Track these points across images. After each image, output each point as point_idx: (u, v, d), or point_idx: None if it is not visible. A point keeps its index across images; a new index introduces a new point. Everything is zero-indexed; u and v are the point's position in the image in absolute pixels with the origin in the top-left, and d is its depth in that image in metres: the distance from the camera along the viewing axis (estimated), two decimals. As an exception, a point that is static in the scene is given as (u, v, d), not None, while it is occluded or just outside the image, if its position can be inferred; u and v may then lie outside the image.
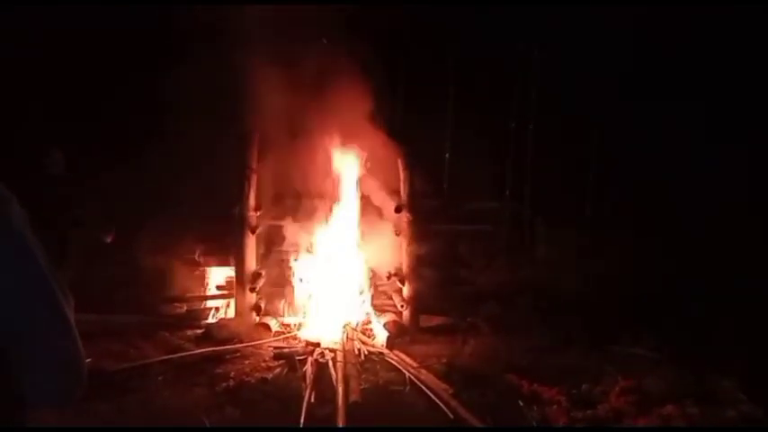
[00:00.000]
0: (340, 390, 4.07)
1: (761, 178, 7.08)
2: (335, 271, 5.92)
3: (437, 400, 4.06)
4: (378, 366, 4.79)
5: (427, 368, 4.62)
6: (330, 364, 4.64)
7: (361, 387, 4.21)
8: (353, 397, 3.97)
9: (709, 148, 7.17)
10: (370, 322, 5.74)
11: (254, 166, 5.80)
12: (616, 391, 4.06)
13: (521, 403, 4.09)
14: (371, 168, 6.13)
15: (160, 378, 4.39)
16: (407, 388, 4.33)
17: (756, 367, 4.53)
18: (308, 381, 4.31)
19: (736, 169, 7.16)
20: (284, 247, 6.26)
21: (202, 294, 6.30)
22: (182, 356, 4.77)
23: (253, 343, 5.23)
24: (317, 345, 5.04)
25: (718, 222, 6.95)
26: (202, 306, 6.15)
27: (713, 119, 7.36)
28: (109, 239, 6.12)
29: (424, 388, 4.24)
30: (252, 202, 5.77)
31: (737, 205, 6.97)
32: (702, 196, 7.25)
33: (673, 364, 4.81)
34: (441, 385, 4.26)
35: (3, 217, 1.07)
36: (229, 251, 5.96)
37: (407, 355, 4.99)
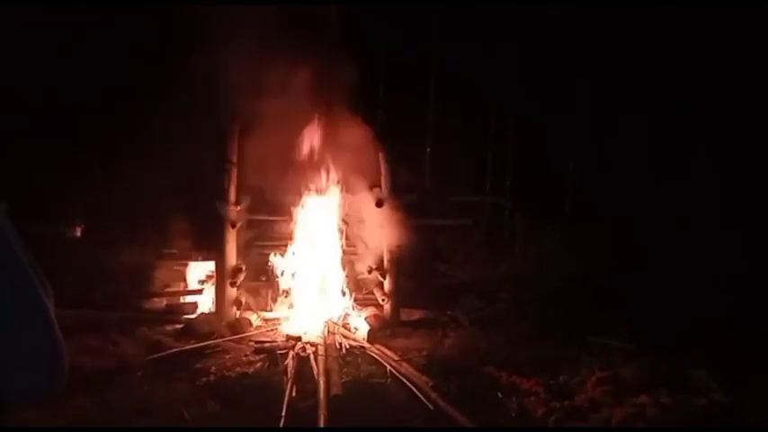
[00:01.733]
0: (321, 383, 4.09)
1: (733, 175, 7.24)
2: (316, 265, 5.93)
3: (417, 393, 4.11)
4: (359, 360, 4.82)
5: (408, 361, 4.67)
6: (311, 357, 4.66)
7: (343, 380, 4.25)
8: (335, 390, 4.00)
9: (680, 146, 7.33)
10: (351, 316, 5.76)
11: (234, 159, 5.76)
12: (592, 382, 4.15)
13: (499, 395, 4.16)
14: (352, 162, 6.14)
15: (140, 373, 4.37)
16: (388, 380, 4.37)
17: (726, 357, 4.66)
18: (289, 375, 4.33)
19: (709, 167, 7.32)
20: (265, 242, 6.25)
21: (182, 289, 6.26)
22: (162, 354, 4.74)
23: (233, 337, 5.23)
24: (299, 339, 5.05)
25: (693, 215, 7.11)
26: (182, 301, 6.11)
27: (690, 117, 7.51)
28: (78, 233, 6.04)
29: (404, 380, 4.29)
30: (232, 196, 5.74)
31: (711, 197, 7.13)
32: (678, 191, 7.41)
33: (647, 355, 4.92)
34: (421, 378, 4.31)
35: None
36: (209, 245, 5.93)
37: (388, 348, 5.03)
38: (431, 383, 4.20)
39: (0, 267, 1.06)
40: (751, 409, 3.92)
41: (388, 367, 4.54)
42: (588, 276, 6.67)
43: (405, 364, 4.59)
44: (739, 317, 5.37)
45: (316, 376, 4.28)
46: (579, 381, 4.24)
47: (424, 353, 4.90)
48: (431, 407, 3.93)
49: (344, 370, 4.53)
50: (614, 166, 8.13)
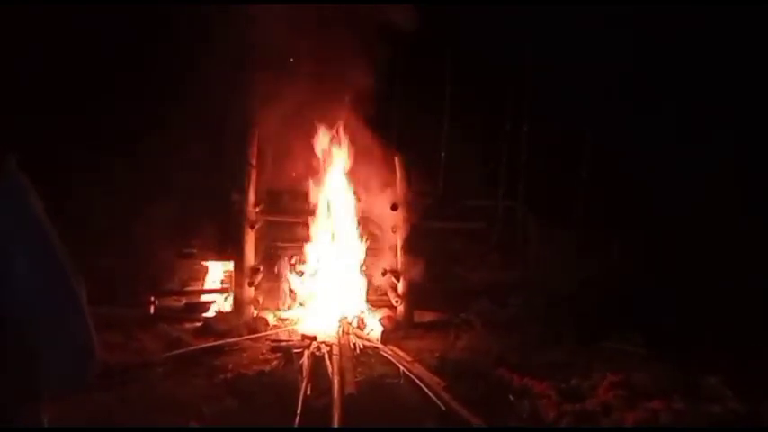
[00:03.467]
0: (336, 382, 4.17)
1: (750, 178, 7.21)
2: (332, 267, 6.02)
3: (430, 393, 4.17)
4: (373, 360, 4.89)
5: (420, 362, 4.73)
6: (326, 357, 4.74)
7: (357, 380, 4.31)
8: (349, 389, 4.07)
9: (697, 149, 7.31)
10: (365, 317, 5.84)
11: (254, 161, 5.88)
12: (604, 386, 4.18)
13: (511, 397, 4.21)
14: (369, 166, 6.22)
15: (160, 369, 4.48)
16: (401, 381, 4.44)
17: (741, 364, 4.67)
18: (304, 373, 4.41)
19: (726, 169, 7.29)
20: (282, 243, 6.35)
21: (201, 288, 6.39)
22: (182, 351, 4.85)
23: (250, 336, 5.33)
24: (314, 338, 5.14)
25: (707, 221, 7.10)
26: (201, 299, 6.24)
27: (704, 120, 7.48)
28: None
29: (417, 381, 4.35)
30: (251, 197, 5.85)
31: (727, 204, 7.10)
32: (693, 196, 7.39)
33: (660, 361, 4.94)
34: (433, 379, 4.37)
35: (22, 204, 1.11)
36: (229, 246, 6.05)
37: (401, 349, 5.09)
38: (443, 384, 4.26)
39: (39, 262, 1.11)
40: (766, 418, 3.93)
41: (401, 368, 4.60)
42: (601, 281, 6.68)
43: (417, 365, 4.66)
44: (756, 323, 5.36)
45: (330, 375, 4.36)
46: (591, 385, 4.27)
47: (437, 354, 4.96)
48: (443, 408, 3.98)
49: (358, 370, 4.61)
50: (629, 170, 8.14)
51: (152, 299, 5.86)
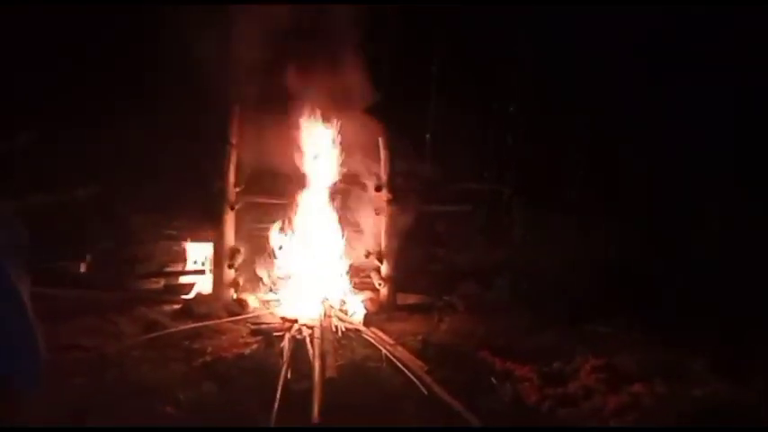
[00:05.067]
0: (317, 366, 4.11)
1: (744, 164, 7.19)
2: (314, 248, 5.93)
3: (412, 377, 4.12)
4: (354, 343, 4.83)
5: (403, 345, 4.69)
6: (307, 340, 4.68)
7: (338, 363, 4.26)
8: (330, 373, 4.02)
9: (693, 134, 7.27)
10: (347, 299, 5.77)
11: (235, 140, 5.74)
12: (586, 369, 4.16)
13: (494, 380, 4.18)
14: (352, 146, 6.11)
15: (136, 353, 4.39)
16: (383, 364, 4.39)
17: (725, 347, 4.67)
18: (284, 357, 4.35)
19: (723, 156, 7.26)
20: (263, 224, 6.25)
21: (180, 269, 6.28)
22: (159, 334, 4.76)
23: (230, 319, 5.25)
24: (295, 321, 5.07)
25: (699, 207, 7.10)
26: (180, 281, 6.13)
27: (700, 103, 7.43)
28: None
29: (399, 365, 4.31)
30: (232, 177, 5.72)
31: (720, 191, 7.10)
32: (685, 182, 7.38)
33: (646, 344, 4.94)
34: (416, 362, 4.33)
35: None
36: (208, 226, 5.93)
37: (384, 332, 5.04)
38: (425, 368, 4.22)
39: None
40: (751, 401, 3.92)
41: (384, 351, 4.55)
42: (588, 266, 6.66)
43: (400, 348, 4.61)
44: (743, 307, 5.37)
45: (311, 359, 4.29)
46: (573, 368, 4.25)
47: (420, 337, 4.92)
48: (425, 391, 3.94)
49: (340, 353, 4.55)
50: (618, 153, 8.10)
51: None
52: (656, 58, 7.73)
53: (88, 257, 5.90)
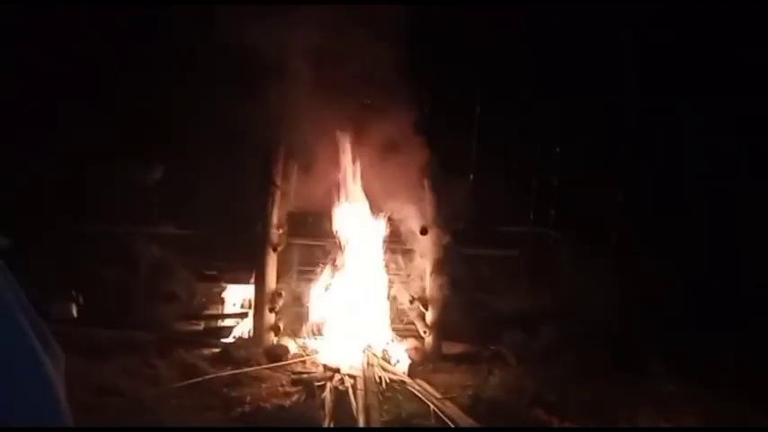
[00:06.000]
0: (361, 421, 3.89)
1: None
2: (357, 293, 5.75)
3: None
4: (399, 396, 4.58)
5: (452, 400, 4.42)
6: (350, 391, 4.46)
7: (383, 419, 4.02)
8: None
9: (741, 165, 6.94)
10: (391, 348, 5.54)
11: (278, 182, 5.68)
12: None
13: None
14: (396, 188, 5.98)
15: (174, 401, 4.24)
16: (432, 421, 4.12)
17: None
18: (326, 409, 4.14)
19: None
20: (306, 267, 6.12)
21: (220, 312, 6.17)
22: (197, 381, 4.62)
23: (270, 365, 5.07)
24: (337, 370, 4.86)
25: (754, 245, 6.70)
26: (220, 324, 6.01)
27: (748, 134, 7.12)
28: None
29: (448, 422, 4.04)
30: (275, 219, 5.64)
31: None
32: (736, 218, 7.01)
33: (709, 400, 4.57)
34: (466, 419, 4.05)
35: None
36: (250, 269, 5.83)
37: (430, 384, 4.78)
38: (477, 426, 3.94)
39: None
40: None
41: (431, 406, 4.29)
42: (638, 309, 6.32)
43: (448, 403, 4.34)
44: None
45: (355, 413, 4.07)
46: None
47: (469, 391, 4.64)
48: (477, 453, 3.67)
49: (384, 407, 4.31)
50: (668, 190, 7.78)
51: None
52: (701, 92, 7.48)
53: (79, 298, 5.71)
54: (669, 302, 6.29)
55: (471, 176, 8.81)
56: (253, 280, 5.71)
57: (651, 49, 7.60)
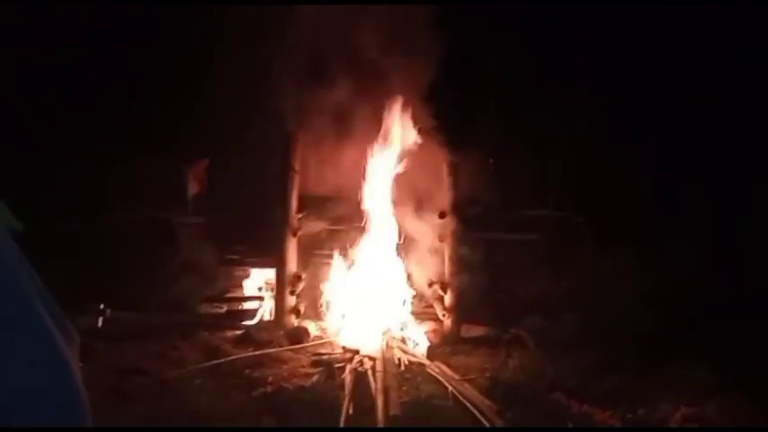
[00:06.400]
0: (379, 402, 3.92)
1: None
2: (376, 276, 5.78)
3: (481, 418, 3.86)
4: (418, 378, 4.62)
5: (470, 382, 4.43)
6: (369, 372, 4.50)
7: (402, 400, 4.05)
8: (393, 410, 3.82)
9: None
10: (409, 330, 5.57)
11: (297, 167, 5.71)
12: (677, 419, 3.78)
13: (570, 425, 3.87)
14: (415, 172, 5.97)
15: (198, 381, 4.33)
16: (450, 402, 4.15)
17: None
18: (346, 390, 4.18)
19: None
20: (325, 251, 6.16)
21: (242, 295, 6.26)
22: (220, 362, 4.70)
23: (291, 347, 5.14)
24: (357, 352, 4.90)
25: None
26: (241, 307, 6.10)
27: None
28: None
29: (467, 404, 4.05)
30: (294, 203, 5.68)
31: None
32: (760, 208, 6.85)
33: (733, 390, 4.49)
34: (484, 401, 4.06)
35: None
36: (270, 252, 5.89)
37: (449, 366, 4.80)
38: (495, 408, 3.95)
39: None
40: None
41: (450, 388, 4.31)
42: (664, 298, 6.22)
43: (467, 385, 4.36)
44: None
45: (374, 393, 4.11)
46: (660, 417, 3.88)
47: (487, 374, 4.65)
48: (495, 435, 3.68)
49: (403, 388, 4.35)
50: (694, 175, 7.64)
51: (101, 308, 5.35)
52: (723, 82, 7.30)
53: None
54: (695, 293, 6.19)
55: (491, 160, 8.74)
56: (273, 264, 5.78)
57: (686, 36, 7.41)
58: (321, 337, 5.51)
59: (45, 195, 6.39)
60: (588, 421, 3.86)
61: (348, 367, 4.60)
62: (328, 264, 6.01)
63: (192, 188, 7.02)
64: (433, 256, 5.98)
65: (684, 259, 6.81)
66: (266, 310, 5.92)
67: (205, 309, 6.11)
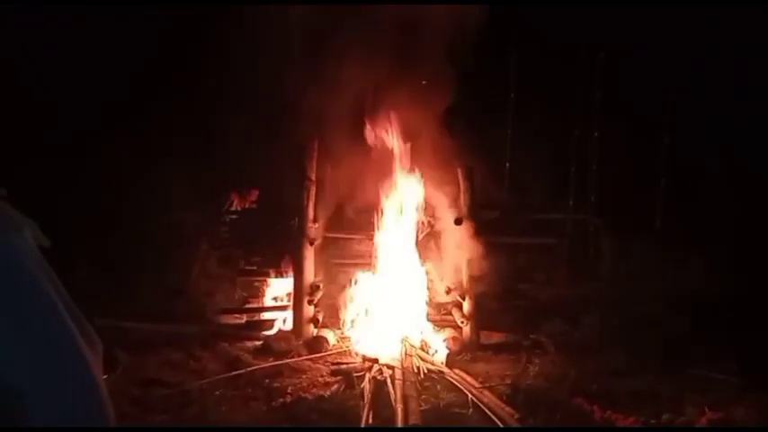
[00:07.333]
0: (399, 411, 3.90)
1: None
2: (394, 284, 5.77)
3: (501, 426, 3.83)
4: (438, 386, 4.59)
5: (490, 389, 4.40)
6: (388, 381, 4.49)
7: (421, 408, 4.03)
8: (413, 420, 3.80)
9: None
10: (428, 338, 5.54)
11: (314, 176, 5.73)
12: (702, 423, 3.71)
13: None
14: (429, 176, 5.96)
15: (218, 392, 4.36)
16: (470, 411, 4.12)
17: None
18: (365, 400, 4.17)
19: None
20: (343, 260, 6.17)
21: (261, 306, 6.29)
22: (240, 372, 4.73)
23: (310, 356, 5.15)
24: (375, 361, 4.89)
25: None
26: (261, 317, 6.13)
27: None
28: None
29: (487, 411, 4.02)
30: (311, 213, 5.70)
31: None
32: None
33: (760, 393, 4.39)
34: (505, 409, 4.02)
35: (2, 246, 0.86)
36: (288, 262, 5.92)
37: (468, 373, 4.77)
38: (516, 416, 3.91)
39: (22, 320, 0.86)
40: None
41: (470, 396, 4.28)
42: (683, 299, 6.12)
43: (487, 393, 4.32)
44: None
45: (393, 403, 4.09)
46: (685, 420, 3.81)
47: (508, 381, 4.61)
48: (517, 442, 3.64)
49: (423, 397, 4.32)
50: (714, 177, 7.52)
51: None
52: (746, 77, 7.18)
53: None
54: (718, 294, 6.08)
55: (508, 164, 8.70)
56: (291, 273, 5.81)
57: (702, 31, 7.32)
58: (340, 347, 5.50)
59: (85, 203, 6.56)
60: (611, 426, 3.80)
61: (367, 376, 4.60)
62: (346, 272, 6.02)
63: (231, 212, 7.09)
64: (451, 263, 5.96)
65: (707, 260, 6.70)
66: (285, 320, 5.94)
67: (224, 319, 6.15)
